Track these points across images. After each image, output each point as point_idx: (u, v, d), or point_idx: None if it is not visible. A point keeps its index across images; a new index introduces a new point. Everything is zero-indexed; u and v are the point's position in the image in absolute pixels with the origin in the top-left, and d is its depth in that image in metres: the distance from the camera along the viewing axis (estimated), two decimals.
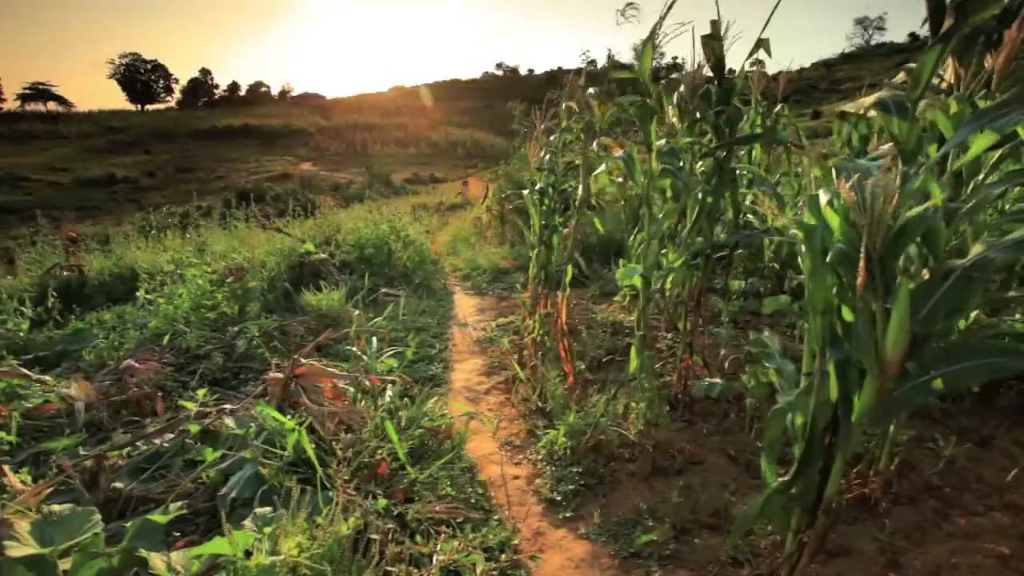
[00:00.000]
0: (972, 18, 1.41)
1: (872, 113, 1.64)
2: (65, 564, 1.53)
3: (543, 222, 3.39)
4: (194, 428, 2.34)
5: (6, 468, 1.98)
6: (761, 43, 2.48)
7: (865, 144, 3.47)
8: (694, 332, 2.78)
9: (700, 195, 2.57)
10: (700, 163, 2.76)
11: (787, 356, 1.78)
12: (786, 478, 1.48)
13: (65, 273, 6.10)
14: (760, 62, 3.52)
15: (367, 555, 1.49)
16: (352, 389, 2.60)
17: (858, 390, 1.34)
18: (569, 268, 3.18)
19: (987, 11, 1.41)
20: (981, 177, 1.76)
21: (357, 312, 4.26)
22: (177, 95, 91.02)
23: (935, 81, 1.68)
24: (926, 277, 1.32)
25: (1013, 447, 2.26)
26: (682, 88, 2.59)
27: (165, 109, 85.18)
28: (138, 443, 2.32)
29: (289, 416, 2.33)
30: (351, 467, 1.93)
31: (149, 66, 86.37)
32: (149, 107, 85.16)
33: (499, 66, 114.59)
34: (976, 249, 1.25)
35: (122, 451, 2.26)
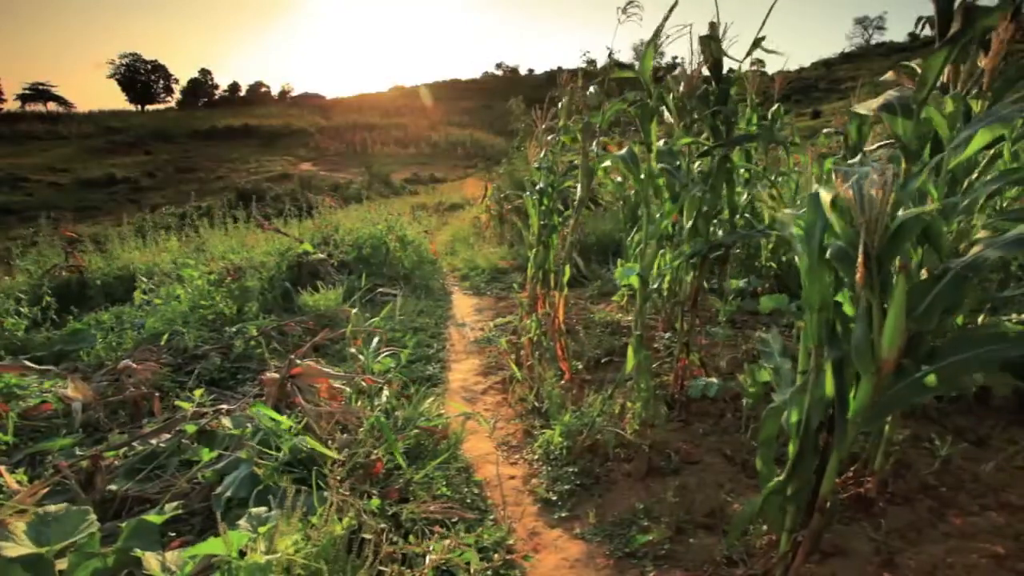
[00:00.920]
0: (981, 22, 1.42)
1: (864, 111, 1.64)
2: (61, 564, 1.53)
3: (542, 222, 3.39)
4: (190, 428, 2.34)
5: (2, 468, 1.98)
6: (758, 42, 2.47)
7: (861, 142, 3.48)
8: (691, 332, 2.78)
9: (697, 195, 2.57)
10: (697, 163, 2.76)
11: (786, 355, 1.79)
12: (782, 477, 1.49)
13: (64, 274, 6.10)
14: (760, 61, 3.53)
15: (361, 555, 1.49)
16: (348, 389, 2.60)
17: (854, 388, 1.34)
18: (567, 268, 3.18)
19: (995, 16, 1.42)
20: (975, 176, 1.76)
21: (355, 312, 4.27)
22: (177, 95, 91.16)
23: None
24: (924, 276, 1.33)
25: (1009, 446, 2.25)
26: (681, 87, 2.59)
27: (165, 109, 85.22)
28: (134, 443, 2.32)
29: (285, 416, 2.33)
30: (346, 467, 1.92)
31: (149, 66, 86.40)
32: (149, 107, 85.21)
33: (499, 66, 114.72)
34: (974, 249, 1.26)
35: (118, 451, 2.26)
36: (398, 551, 1.56)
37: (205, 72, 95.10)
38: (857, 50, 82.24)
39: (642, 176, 2.47)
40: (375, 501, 1.77)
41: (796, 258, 1.44)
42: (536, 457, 2.46)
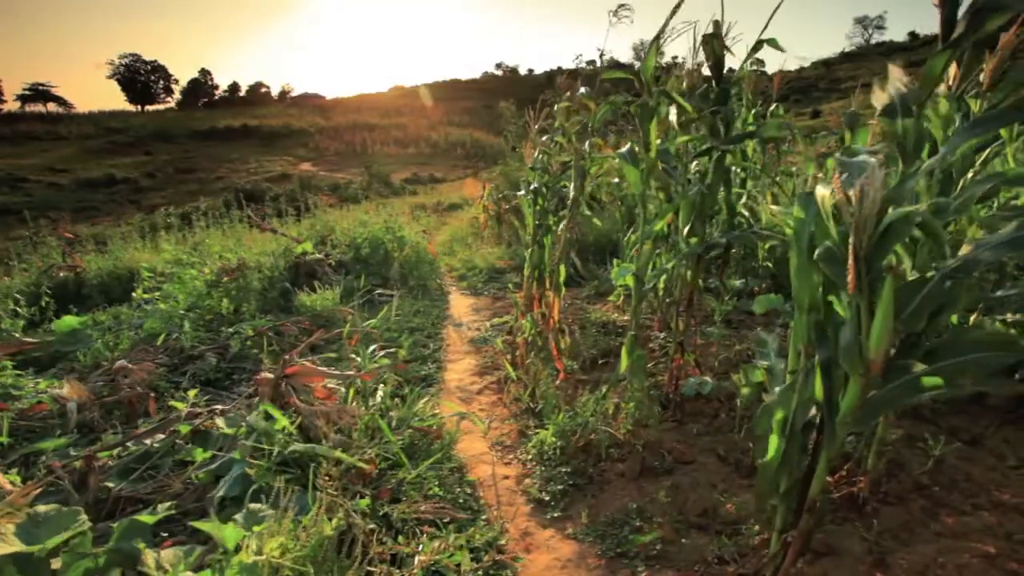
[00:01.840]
0: (988, 25, 1.42)
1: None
2: (55, 564, 1.53)
3: (537, 222, 3.39)
4: (184, 429, 2.34)
5: None
6: (760, 43, 2.47)
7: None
8: (686, 332, 2.78)
9: (695, 195, 2.57)
10: (695, 163, 2.76)
11: (782, 355, 1.79)
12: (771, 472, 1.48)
13: (62, 274, 6.11)
14: (760, 61, 3.53)
15: (351, 555, 1.50)
16: (343, 389, 2.60)
17: (843, 389, 1.34)
18: (563, 267, 3.19)
19: (1002, 18, 1.42)
20: (970, 176, 1.76)
21: (352, 313, 4.27)
22: (177, 96, 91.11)
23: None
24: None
25: (1003, 446, 2.25)
26: (684, 84, 2.60)
27: (165, 110, 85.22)
28: (128, 444, 2.32)
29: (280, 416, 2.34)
30: (340, 467, 1.93)
31: (149, 67, 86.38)
32: (149, 108, 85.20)
33: (499, 66, 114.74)
34: (963, 250, 1.26)
35: (112, 452, 2.26)
36: (387, 551, 1.56)
37: (205, 72, 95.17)
38: (857, 49, 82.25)
39: (640, 175, 2.47)
40: (365, 501, 1.77)
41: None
42: (530, 457, 2.46)
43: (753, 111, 3.84)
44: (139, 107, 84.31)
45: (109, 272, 6.19)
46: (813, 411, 1.44)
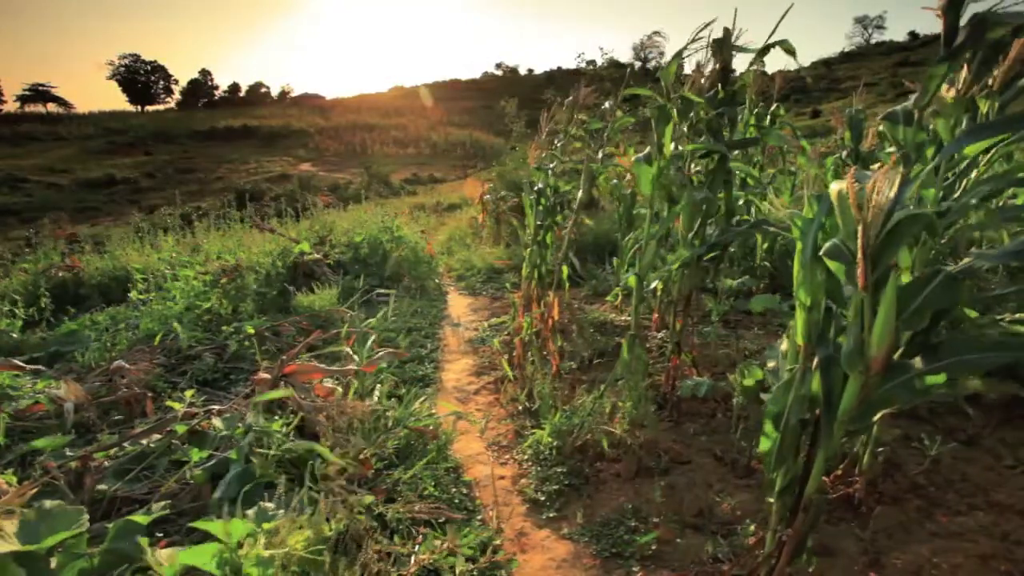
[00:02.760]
0: (989, 35, 1.43)
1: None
2: (51, 563, 1.53)
3: (538, 222, 3.39)
4: (181, 428, 2.34)
5: None
6: (772, 45, 2.48)
7: (858, 143, 3.49)
8: (683, 332, 2.78)
9: (699, 197, 2.58)
10: (696, 165, 2.76)
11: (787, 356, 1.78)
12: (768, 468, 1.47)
13: (61, 274, 6.10)
14: (761, 62, 3.53)
15: (347, 554, 1.50)
16: (340, 389, 2.60)
17: (842, 387, 1.34)
18: (564, 267, 3.19)
19: (1002, 29, 1.43)
20: (973, 176, 1.76)
21: (351, 313, 4.27)
22: (177, 96, 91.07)
23: None
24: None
25: (999, 446, 2.25)
26: (692, 87, 2.61)
27: (165, 110, 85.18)
28: (124, 444, 2.32)
29: (277, 416, 2.34)
30: (337, 467, 1.92)
31: (149, 67, 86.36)
32: (149, 108, 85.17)
33: (499, 66, 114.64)
34: (966, 260, 1.26)
35: (108, 452, 2.26)
36: (383, 551, 1.56)
37: (205, 72, 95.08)
38: (857, 49, 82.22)
39: (652, 178, 2.50)
40: (369, 498, 1.77)
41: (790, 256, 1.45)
42: (526, 457, 2.46)
43: (755, 111, 3.84)
44: (139, 107, 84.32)
45: (108, 273, 6.19)
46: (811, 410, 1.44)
